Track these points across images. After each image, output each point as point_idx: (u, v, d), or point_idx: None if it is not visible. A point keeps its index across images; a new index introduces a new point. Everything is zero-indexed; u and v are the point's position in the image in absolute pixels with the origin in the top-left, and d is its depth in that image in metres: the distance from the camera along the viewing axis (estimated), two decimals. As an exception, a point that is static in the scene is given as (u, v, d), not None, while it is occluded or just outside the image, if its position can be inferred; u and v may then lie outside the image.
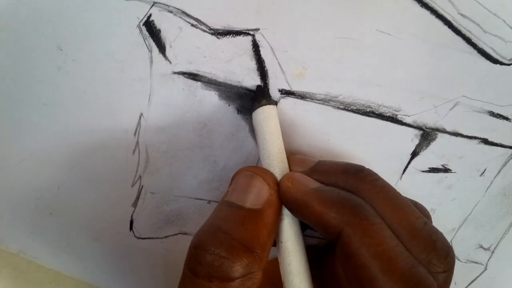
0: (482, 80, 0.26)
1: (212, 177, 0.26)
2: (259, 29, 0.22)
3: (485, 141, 0.29)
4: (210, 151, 0.25)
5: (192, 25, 0.21)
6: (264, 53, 0.23)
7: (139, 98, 0.22)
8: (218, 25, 0.21)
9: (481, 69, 0.26)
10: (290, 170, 0.22)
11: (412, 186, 0.29)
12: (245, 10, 0.21)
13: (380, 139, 0.27)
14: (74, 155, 0.23)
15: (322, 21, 0.22)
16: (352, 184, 0.19)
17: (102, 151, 0.23)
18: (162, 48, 0.21)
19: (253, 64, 0.23)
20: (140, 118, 0.23)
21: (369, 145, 0.27)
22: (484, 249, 0.35)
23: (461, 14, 0.23)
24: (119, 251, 0.27)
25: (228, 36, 0.22)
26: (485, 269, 0.36)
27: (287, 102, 0.24)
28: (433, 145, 0.28)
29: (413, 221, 0.18)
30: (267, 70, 0.23)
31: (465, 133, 0.28)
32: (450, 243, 0.34)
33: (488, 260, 0.36)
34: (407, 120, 0.26)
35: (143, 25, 0.21)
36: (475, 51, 0.25)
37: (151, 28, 0.21)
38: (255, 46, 0.22)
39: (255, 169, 0.21)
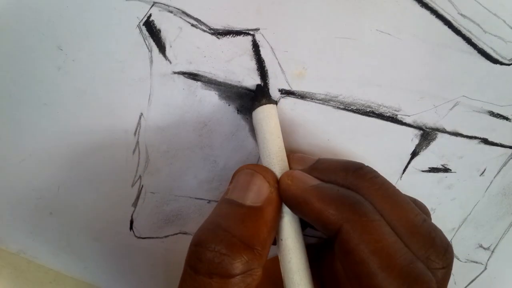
0: (482, 80, 0.26)
1: (212, 177, 0.26)
2: (259, 29, 0.22)
3: (485, 141, 0.29)
4: (210, 151, 0.25)
5: (192, 25, 0.21)
6: (264, 53, 0.23)
7: (139, 98, 0.22)
8: (218, 25, 0.21)
9: (481, 69, 0.26)
10: (290, 168, 0.22)
11: (412, 186, 0.29)
12: (245, 10, 0.21)
13: (380, 139, 0.27)
14: (74, 155, 0.23)
15: (322, 21, 0.22)
16: (352, 181, 0.19)
17: (102, 151, 0.23)
18: (162, 48, 0.21)
19: (253, 64, 0.23)
20: (140, 118, 0.23)
21: (369, 145, 0.27)
22: (484, 248, 0.35)
23: (461, 14, 0.23)
24: (119, 251, 0.27)
25: (228, 36, 0.22)
26: (485, 268, 0.36)
27: (287, 102, 0.24)
28: (433, 145, 0.28)
29: (412, 218, 0.18)
30: (267, 70, 0.23)
31: (465, 133, 0.28)
32: (450, 243, 0.34)
33: (488, 260, 0.36)
34: (407, 120, 0.26)
35: (143, 25, 0.21)
36: (475, 51, 0.25)
37: (151, 28, 0.21)
38: (255, 46, 0.22)
39: (256, 167, 0.21)
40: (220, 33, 0.22)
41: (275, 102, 0.24)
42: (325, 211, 0.18)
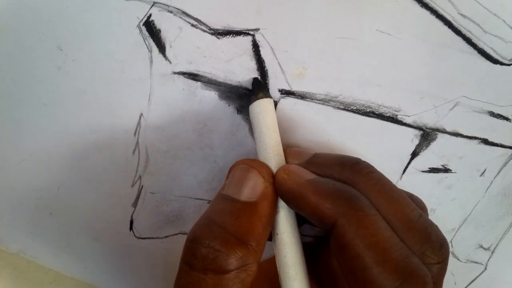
0: (482, 80, 0.26)
1: (212, 177, 0.26)
2: (259, 29, 0.22)
3: (485, 141, 0.29)
4: (210, 151, 0.25)
5: (192, 25, 0.21)
6: (264, 53, 0.23)
7: (139, 98, 0.22)
8: (218, 25, 0.21)
9: (481, 69, 0.26)
10: (287, 162, 0.22)
11: (412, 186, 0.29)
12: (245, 10, 0.21)
13: (380, 139, 0.27)
14: (74, 155, 0.23)
15: (322, 21, 0.22)
16: (348, 176, 0.19)
17: (102, 151, 0.23)
18: (162, 48, 0.21)
19: (253, 64, 0.23)
20: (140, 118, 0.23)
21: (369, 145, 0.27)
22: (484, 249, 0.35)
23: (461, 14, 0.23)
24: (119, 251, 0.27)
25: (228, 36, 0.22)
26: (485, 269, 0.36)
27: (287, 102, 0.24)
28: (433, 145, 0.28)
29: (408, 213, 0.18)
30: (267, 70, 0.23)
31: (465, 133, 0.28)
32: (450, 243, 0.34)
33: (488, 260, 0.36)
34: (407, 120, 0.26)
35: (143, 25, 0.21)
36: (475, 51, 0.25)
37: (151, 28, 0.21)
38: (255, 46, 0.22)
39: (251, 162, 0.21)
40: (220, 33, 0.22)
41: (272, 97, 0.24)
42: (320, 205, 0.18)
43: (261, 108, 0.22)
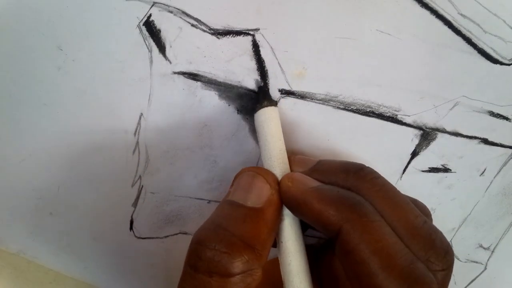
0: (482, 80, 0.26)
1: (212, 177, 0.26)
2: (259, 29, 0.22)
3: (485, 141, 0.29)
4: (210, 151, 0.25)
5: (192, 25, 0.21)
6: (264, 53, 0.23)
7: (139, 98, 0.22)
8: (218, 25, 0.21)
9: (481, 69, 0.26)
10: (291, 170, 0.22)
11: (412, 186, 0.29)
12: (245, 10, 0.21)
13: (380, 139, 0.27)
14: (74, 155, 0.23)
15: (322, 21, 0.22)
16: (352, 182, 0.19)
17: (102, 151, 0.23)
18: (162, 48, 0.21)
19: (253, 64, 0.23)
20: (140, 118, 0.23)
21: (369, 145, 0.27)
22: (484, 248, 0.35)
23: (461, 14, 0.23)
24: (119, 251, 0.27)
25: (228, 36, 0.22)
26: (485, 268, 0.36)
27: (287, 102, 0.24)
28: (433, 145, 0.28)
29: (412, 220, 0.18)
30: (267, 70, 0.23)
31: (465, 133, 0.28)
32: (450, 243, 0.34)
33: (488, 260, 0.36)
34: (407, 120, 0.26)
35: (143, 25, 0.21)
36: (475, 51, 0.25)
37: (151, 28, 0.21)
38: (255, 46, 0.22)
39: (257, 170, 0.21)
40: (220, 33, 0.22)
41: (277, 103, 0.24)
42: (325, 212, 0.18)
43: (266, 116, 0.22)
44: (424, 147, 0.28)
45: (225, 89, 0.23)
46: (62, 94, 0.21)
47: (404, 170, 0.29)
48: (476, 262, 0.36)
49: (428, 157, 0.29)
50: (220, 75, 0.23)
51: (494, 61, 0.26)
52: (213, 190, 0.27)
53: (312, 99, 0.24)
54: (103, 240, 0.27)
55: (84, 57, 0.21)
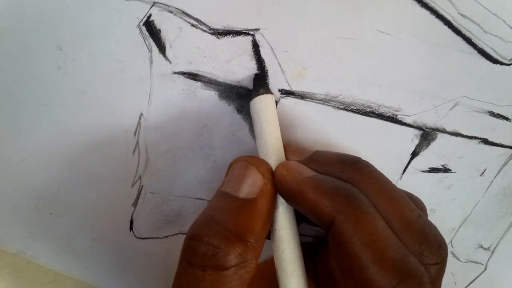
0: (482, 80, 0.26)
1: (212, 177, 0.26)
2: (259, 29, 0.22)
3: (485, 141, 0.29)
4: (210, 151, 0.25)
5: (192, 25, 0.21)
6: (264, 53, 0.23)
7: (139, 98, 0.22)
8: (218, 25, 0.21)
9: (481, 69, 0.26)
10: (287, 159, 0.22)
11: (412, 186, 0.29)
12: (245, 10, 0.21)
13: (380, 139, 0.27)
14: (74, 155, 0.23)
15: (322, 21, 0.22)
16: (348, 174, 0.19)
17: (102, 151, 0.23)
18: (162, 48, 0.21)
19: (253, 64, 0.23)
20: (140, 118, 0.23)
21: (369, 145, 0.27)
22: (484, 249, 0.35)
23: (461, 14, 0.23)
24: (119, 251, 0.27)
25: (228, 36, 0.22)
26: (485, 269, 0.36)
27: (287, 102, 0.24)
28: (433, 145, 0.28)
29: (407, 213, 0.18)
30: (267, 70, 0.23)
31: (465, 133, 0.28)
32: (450, 243, 0.34)
33: (488, 260, 0.36)
34: (407, 120, 0.26)
35: (143, 25, 0.21)
36: (475, 51, 0.25)
37: (151, 28, 0.21)
38: (255, 46, 0.22)
39: (250, 159, 0.21)
40: (220, 33, 0.22)
41: (273, 93, 0.24)
42: (319, 202, 0.18)
43: (262, 104, 0.22)
44: (424, 147, 0.28)
45: (225, 89, 0.23)
46: (62, 94, 0.21)
47: (404, 170, 0.29)
48: (476, 263, 0.36)
49: (428, 157, 0.29)
50: (220, 75, 0.23)
51: (494, 61, 0.26)
52: (213, 190, 0.26)
53: (312, 99, 0.24)
54: (103, 240, 0.27)
55: (84, 57, 0.21)
